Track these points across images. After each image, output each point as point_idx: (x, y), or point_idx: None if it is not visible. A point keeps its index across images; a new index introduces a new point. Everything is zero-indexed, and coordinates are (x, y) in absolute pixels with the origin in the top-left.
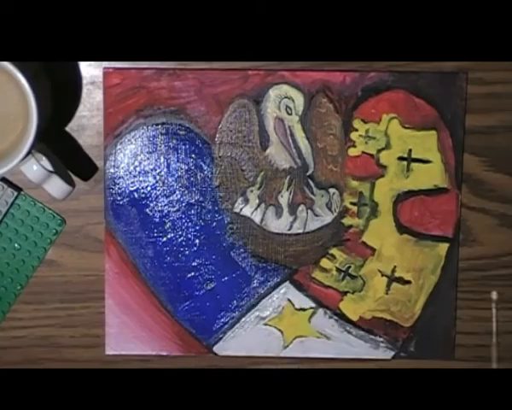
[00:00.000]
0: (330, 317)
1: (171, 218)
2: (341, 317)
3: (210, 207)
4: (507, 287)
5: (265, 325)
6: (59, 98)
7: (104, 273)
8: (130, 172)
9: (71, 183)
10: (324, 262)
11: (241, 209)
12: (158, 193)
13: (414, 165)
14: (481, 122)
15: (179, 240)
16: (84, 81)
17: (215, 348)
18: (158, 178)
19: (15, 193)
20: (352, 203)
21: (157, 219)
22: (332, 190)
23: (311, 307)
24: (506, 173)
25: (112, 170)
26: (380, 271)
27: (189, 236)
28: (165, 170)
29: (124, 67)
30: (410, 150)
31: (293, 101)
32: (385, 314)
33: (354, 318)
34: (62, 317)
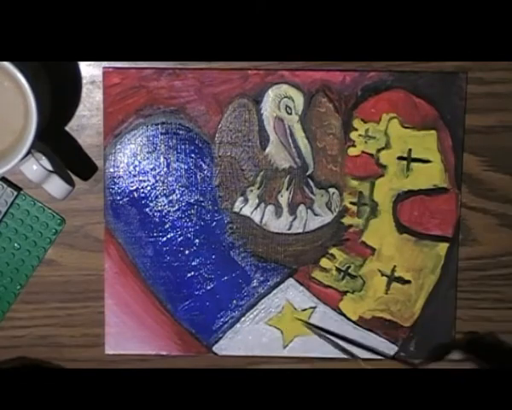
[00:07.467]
0: (330, 317)
1: (170, 217)
2: (341, 317)
3: (210, 206)
4: (507, 287)
5: (265, 324)
6: (59, 98)
7: (104, 273)
8: (129, 172)
9: (71, 182)
10: (324, 262)
11: (240, 209)
12: (157, 193)
13: (414, 165)
14: (481, 122)
15: (179, 240)
16: (84, 81)
17: (215, 348)
18: (158, 177)
19: (15, 193)
20: (351, 203)
21: (157, 219)
22: (332, 190)
23: (311, 307)
24: (506, 173)
25: (111, 170)
26: (379, 270)
27: (189, 235)
28: (165, 170)
29: (123, 67)
30: (410, 150)
31: (292, 100)
32: (385, 314)
33: (354, 317)
34: (62, 317)
